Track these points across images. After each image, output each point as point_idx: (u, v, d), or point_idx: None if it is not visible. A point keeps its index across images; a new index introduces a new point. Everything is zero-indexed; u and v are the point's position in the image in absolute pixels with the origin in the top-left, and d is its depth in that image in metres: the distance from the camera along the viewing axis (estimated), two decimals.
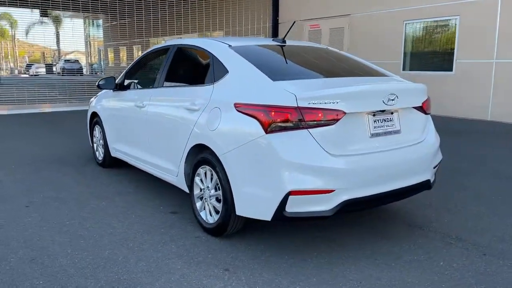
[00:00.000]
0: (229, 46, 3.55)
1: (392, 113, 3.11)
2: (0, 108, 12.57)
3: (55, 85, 18.08)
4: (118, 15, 21.59)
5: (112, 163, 5.29)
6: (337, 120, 2.78)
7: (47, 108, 12.73)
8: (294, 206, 2.73)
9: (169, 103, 3.84)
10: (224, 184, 3.04)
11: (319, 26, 13.62)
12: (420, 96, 3.32)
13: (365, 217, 3.68)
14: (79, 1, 18.71)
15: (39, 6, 20.54)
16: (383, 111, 3.03)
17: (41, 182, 4.74)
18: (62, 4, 19.38)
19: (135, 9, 19.50)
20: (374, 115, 2.99)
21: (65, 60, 34.62)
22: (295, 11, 14.24)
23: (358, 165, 2.83)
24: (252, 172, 2.85)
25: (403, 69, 11.22)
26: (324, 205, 2.75)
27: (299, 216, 2.77)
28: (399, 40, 11.24)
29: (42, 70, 35.40)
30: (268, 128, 2.73)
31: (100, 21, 29.82)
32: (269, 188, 2.77)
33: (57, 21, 38.34)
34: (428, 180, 3.28)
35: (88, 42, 33.51)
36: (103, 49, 30.33)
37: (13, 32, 45.06)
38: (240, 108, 2.97)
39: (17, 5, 20.08)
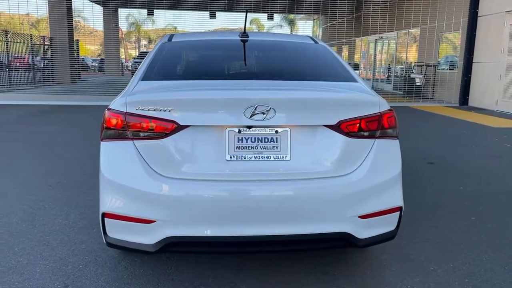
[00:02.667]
0: (169, 40, 3.24)
1: (276, 131, 2.32)
2: None
3: None
4: (332, 16, 22.02)
5: None
6: (167, 133, 2.25)
7: None
8: (115, 232, 2.35)
9: None
10: None
11: None
12: (341, 111, 2.36)
13: None
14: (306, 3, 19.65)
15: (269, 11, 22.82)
16: (250, 127, 2.29)
17: None
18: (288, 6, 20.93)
19: (343, 9, 19.43)
20: (239, 132, 2.29)
21: None
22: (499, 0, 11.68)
23: (194, 195, 2.23)
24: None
25: None
26: (145, 237, 2.28)
27: (123, 246, 2.37)
28: None
29: None
30: (102, 135, 2.43)
31: (316, 22, 30.88)
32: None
33: (292, 24, 41.64)
34: (346, 234, 2.33)
35: None
36: None
37: None
38: None
39: (259, 11, 22.83)
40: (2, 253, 3.00)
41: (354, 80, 2.76)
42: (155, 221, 2.23)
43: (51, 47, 19.12)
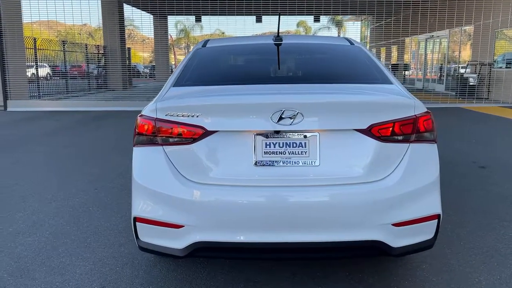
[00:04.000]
0: (203, 46, 3.28)
1: (305, 136, 2.27)
2: None
3: None
4: (381, 16, 21.50)
5: None
6: (195, 138, 2.27)
7: None
8: (146, 236, 2.39)
9: None
10: None
11: None
12: (372, 114, 2.28)
13: None
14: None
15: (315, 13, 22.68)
16: (278, 132, 2.26)
17: None
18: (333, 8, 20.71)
19: (392, 9, 18.92)
20: (267, 137, 2.27)
21: None
22: None
23: (222, 200, 2.23)
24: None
25: None
26: (175, 242, 2.30)
27: (154, 250, 2.40)
28: None
29: None
30: (134, 141, 2.48)
31: (364, 23, 30.24)
32: None
33: (339, 25, 41.11)
34: (379, 242, 2.24)
35: (362, 43, 34.51)
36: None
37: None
38: None
39: (306, 13, 22.85)
40: (47, 253, 3.14)
41: (389, 82, 2.66)
42: (183, 226, 2.25)
43: (104, 56, 20.00)
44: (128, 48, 22.27)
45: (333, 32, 41.67)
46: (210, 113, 2.28)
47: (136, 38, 33.15)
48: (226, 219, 2.22)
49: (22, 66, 13.36)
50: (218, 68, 3.07)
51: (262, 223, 2.22)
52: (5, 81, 12.66)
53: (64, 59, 17.56)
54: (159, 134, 2.33)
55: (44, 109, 12.41)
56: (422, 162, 2.36)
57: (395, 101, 2.39)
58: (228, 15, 24.92)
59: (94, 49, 20.67)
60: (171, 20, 36.52)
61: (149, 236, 2.37)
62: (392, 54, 25.07)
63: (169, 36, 31.44)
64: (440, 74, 19.32)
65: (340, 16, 35.80)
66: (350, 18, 33.88)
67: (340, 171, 2.27)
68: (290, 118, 2.21)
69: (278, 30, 3.14)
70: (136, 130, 2.43)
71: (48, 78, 17.61)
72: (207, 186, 2.25)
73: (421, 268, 2.88)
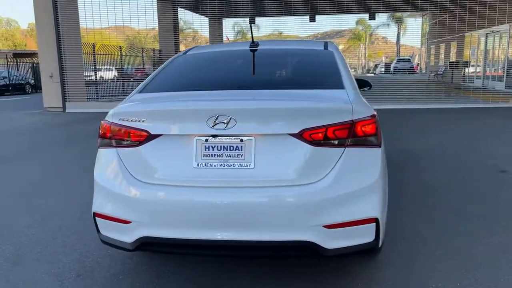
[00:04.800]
0: (184, 53, 3.48)
1: (241, 140, 2.39)
2: None
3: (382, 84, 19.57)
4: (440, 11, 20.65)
5: None
6: (141, 141, 2.47)
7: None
8: (105, 230, 2.62)
9: None
10: None
11: None
12: (304, 120, 2.35)
13: None
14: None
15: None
16: (215, 136, 2.40)
17: None
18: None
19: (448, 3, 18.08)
20: (206, 140, 2.42)
21: (397, 60, 35.57)
22: None
23: (164, 199, 2.41)
24: None
25: None
26: (125, 236, 2.51)
27: (110, 243, 2.63)
28: None
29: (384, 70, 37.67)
30: (98, 143, 2.73)
31: (425, 19, 28.99)
32: None
33: (399, 22, 39.81)
34: (310, 243, 2.32)
35: (423, 40, 33.20)
36: (426, 47, 29.40)
37: (366, 35, 49.71)
38: None
39: (363, 11, 22.55)
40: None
41: (341, 88, 2.70)
42: (131, 222, 2.46)
43: (160, 59, 20.94)
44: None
45: (393, 29, 40.42)
46: (153, 118, 2.47)
47: (191, 40, 34.09)
48: (168, 217, 2.40)
49: (80, 70, 14.40)
50: (183, 75, 3.24)
51: (200, 222, 2.37)
52: (64, 85, 13.71)
53: (121, 63, 18.64)
54: (113, 137, 2.56)
55: (100, 110, 13.29)
56: (358, 166, 2.40)
57: (328, 107, 2.44)
58: (282, 15, 25.08)
59: (150, 53, 21.68)
60: (229, 22, 37.23)
61: (107, 230, 2.61)
62: (451, 51, 23.88)
63: (225, 38, 32.13)
64: (503, 71, 18.16)
65: (400, 13, 34.71)
66: (409, 14, 32.72)
67: (274, 173, 2.36)
68: (224, 123, 2.34)
69: (252, 36, 3.27)
70: (99, 133, 2.68)
71: (115, 81, 18.81)
72: (152, 185, 2.44)
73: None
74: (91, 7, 16.63)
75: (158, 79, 3.07)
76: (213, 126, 2.35)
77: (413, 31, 47.45)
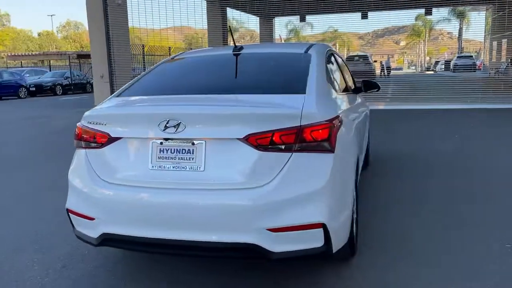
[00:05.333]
0: (172, 58, 3.62)
1: (193, 143, 2.47)
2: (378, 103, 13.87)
3: (440, 82, 18.69)
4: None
5: None
6: (103, 143, 2.62)
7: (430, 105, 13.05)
8: (77, 226, 2.80)
9: None
10: None
11: None
12: (250, 125, 2.39)
13: None
14: None
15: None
16: (168, 139, 2.49)
17: None
18: None
19: None
20: (161, 143, 2.52)
21: (458, 56, 33.88)
22: None
23: (121, 198, 2.54)
24: None
25: None
26: (91, 232, 2.68)
27: (82, 238, 2.78)
28: None
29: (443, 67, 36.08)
30: (74, 144, 2.91)
31: (489, 13, 27.29)
32: None
33: (461, 16, 37.77)
34: (255, 245, 2.35)
35: (486, 36, 31.34)
36: (489, 43, 27.69)
37: (426, 31, 47.77)
38: None
39: (420, 6, 21.82)
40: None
41: (302, 92, 2.70)
42: (94, 219, 2.62)
43: None
44: None
45: (454, 25, 38.41)
46: (114, 122, 2.62)
47: (242, 40, 34.38)
48: (125, 215, 2.53)
49: (128, 71, 15.11)
50: (159, 80, 3.35)
51: (153, 221, 2.47)
52: (113, 85, 14.45)
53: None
54: (83, 139, 2.74)
55: None
56: (305, 171, 2.39)
57: (274, 113, 2.46)
58: (333, 13, 24.71)
59: None
60: (282, 20, 37.18)
61: (79, 225, 2.79)
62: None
63: (278, 36, 32.16)
64: None
65: (462, 7, 32.94)
66: (472, 8, 30.99)
67: (223, 176, 2.42)
68: (174, 127, 2.43)
69: (234, 41, 3.33)
70: (74, 135, 2.87)
71: None
72: (112, 185, 2.58)
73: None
74: (144, 9, 17.40)
75: (136, 84, 3.22)
76: (164, 130, 2.45)
77: (476, 26, 44.81)
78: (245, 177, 2.38)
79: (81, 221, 2.73)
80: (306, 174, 2.40)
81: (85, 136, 2.72)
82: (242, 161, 2.40)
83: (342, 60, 4.68)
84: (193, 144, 2.47)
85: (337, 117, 2.66)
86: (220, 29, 20.50)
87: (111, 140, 2.61)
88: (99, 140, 2.65)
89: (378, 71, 29.81)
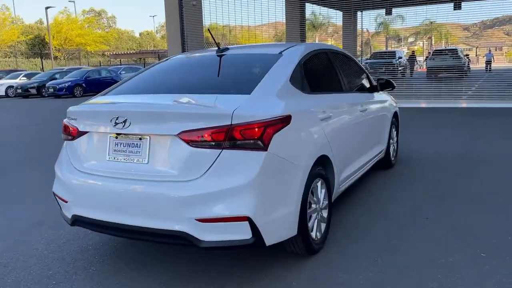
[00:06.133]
0: (166, 59, 3.90)
1: (140, 138, 2.72)
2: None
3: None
4: None
5: None
6: (73, 136, 2.98)
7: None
8: (61, 208, 3.18)
9: None
10: None
11: None
12: (184, 122, 2.58)
13: None
14: None
15: None
16: (120, 134, 2.77)
17: None
18: None
19: None
20: (116, 138, 2.81)
21: None
22: None
23: (86, 185, 2.89)
24: None
25: None
26: (67, 213, 3.06)
27: (64, 219, 3.17)
28: None
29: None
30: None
31: None
32: None
33: None
34: (185, 233, 2.55)
35: None
36: None
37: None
38: None
39: None
40: None
41: (247, 93, 2.82)
42: (67, 202, 2.99)
43: None
44: None
45: None
46: (81, 118, 2.98)
47: (324, 34, 33.78)
48: (87, 200, 2.88)
49: None
50: (136, 81, 3.61)
51: (107, 207, 2.78)
52: None
53: None
54: (64, 132, 3.13)
55: None
56: (234, 167, 2.52)
57: (206, 112, 2.64)
58: (421, 4, 23.44)
59: None
60: (370, 14, 36.01)
61: (62, 207, 3.19)
62: None
63: (365, 30, 31.18)
64: None
65: None
66: None
67: (161, 170, 2.65)
68: (122, 123, 2.70)
69: (216, 43, 3.53)
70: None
71: None
72: (80, 173, 2.94)
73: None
74: (227, 6, 18.06)
75: (121, 84, 3.55)
76: (115, 125, 2.73)
77: None
78: (179, 171, 2.58)
79: (62, 203, 3.12)
80: (235, 169, 2.53)
81: (65, 129, 3.11)
82: (177, 156, 2.60)
83: (348, 59, 4.64)
84: (140, 139, 2.72)
85: (281, 117, 2.73)
86: (298, 24, 20.56)
87: (80, 133, 2.96)
88: (72, 133, 3.02)
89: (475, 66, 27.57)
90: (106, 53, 50.33)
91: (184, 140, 2.57)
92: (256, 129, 2.54)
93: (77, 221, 2.97)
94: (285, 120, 2.77)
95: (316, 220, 3.12)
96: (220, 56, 3.58)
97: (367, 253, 3.15)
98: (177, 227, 2.55)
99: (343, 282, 2.77)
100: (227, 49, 3.63)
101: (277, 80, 3.01)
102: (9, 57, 44.84)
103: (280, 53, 3.42)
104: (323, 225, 3.25)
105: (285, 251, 3.07)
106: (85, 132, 2.94)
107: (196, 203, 2.51)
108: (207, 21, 16.04)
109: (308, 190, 2.93)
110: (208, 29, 3.82)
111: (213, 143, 2.53)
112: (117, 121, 2.73)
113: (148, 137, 2.70)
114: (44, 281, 2.96)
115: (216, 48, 3.70)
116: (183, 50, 15.10)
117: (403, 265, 2.96)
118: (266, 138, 2.57)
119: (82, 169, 2.94)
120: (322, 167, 3.19)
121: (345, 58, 4.56)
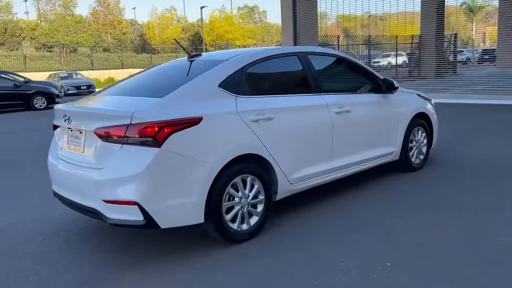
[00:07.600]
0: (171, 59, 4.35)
1: (80, 132, 3.26)
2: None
3: None
4: None
5: None
6: (54, 129, 3.70)
7: None
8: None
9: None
10: None
11: None
12: (98, 121, 3.07)
13: None
14: None
15: None
16: (71, 129, 3.37)
17: None
18: None
19: None
20: (71, 131, 3.39)
21: None
22: None
23: (55, 168, 3.56)
24: None
25: None
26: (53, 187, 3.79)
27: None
28: None
29: None
30: None
31: None
32: None
33: None
34: (97, 211, 3.06)
35: None
36: None
37: None
38: None
39: None
40: None
41: (160, 96, 3.16)
42: (51, 179, 3.71)
43: (419, 44, 20.04)
44: (454, 34, 21.28)
45: None
46: (56, 115, 3.64)
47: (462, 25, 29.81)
48: (55, 178, 3.57)
49: None
50: (123, 82, 4.08)
51: (63, 185, 3.44)
52: None
53: (368, 52, 19.15)
54: (54, 126, 3.84)
55: None
56: (130, 159, 2.94)
57: (110, 113, 3.11)
58: None
59: (406, 39, 21.12)
60: None
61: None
62: None
63: None
64: None
65: None
66: None
67: (88, 158, 3.19)
68: (68, 120, 3.31)
69: (186, 51, 3.90)
70: None
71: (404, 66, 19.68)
72: (57, 158, 3.59)
73: None
74: None
75: (115, 84, 4.11)
76: (64, 121, 3.35)
77: None
78: (96, 159, 3.12)
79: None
80: (131, 161, 2.94)
81: (53, 124, 3.83)
82: (95, 148, 3.13)
83: (339, 61, 4.64)
84: (80, 133, 3.27)
85: (187, 119, 3.02)
86: (434, 11, 18.91)
87: (55, 127, 3.66)
88: (53, 127, 3.73)
89: None
90: (252, 46, 53.40)
91: (98, 135, 3.05)
92: (151, 129, 2.88)
93: (54, 195, 3.67)
94: (192, 122, 3.01)
95: (241, 212, 3.29)
96: (182, 63, 3.93)
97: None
98: (93, 204, 3.08)
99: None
100: (199, 55, 3.95)
101: (202, 85, 3.28)
102: (173, 52, 50.87)
103: (227, 59, 3.62)
104: (254, 218, 3.40)
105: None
106: (58, 126, 3.62)
107: (103, 187, 2.99)
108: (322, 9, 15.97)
109: (225, 184, 3.15)
110: (175, 39, 4.16)
111: (116, 139, 2.96)
112: (65, 118, 3.37)
113: (84, 132, 3.23)
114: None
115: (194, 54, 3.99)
116: (295, 43, 15.39)
117: None
118: (160, 137, 2.88)
119: (59, 155, 3.61)
120: (254, 165, 3.34)
121: (333, 60, 4.59)
